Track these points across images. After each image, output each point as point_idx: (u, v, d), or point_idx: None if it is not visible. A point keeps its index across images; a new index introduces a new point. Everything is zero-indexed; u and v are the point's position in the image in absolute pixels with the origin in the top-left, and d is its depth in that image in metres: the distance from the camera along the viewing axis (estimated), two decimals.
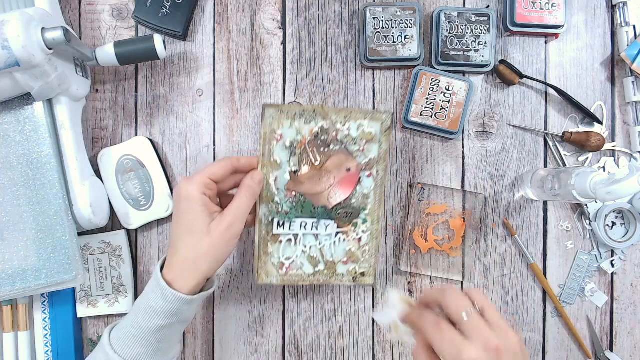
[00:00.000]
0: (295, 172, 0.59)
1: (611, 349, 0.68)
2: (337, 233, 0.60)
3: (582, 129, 0.68)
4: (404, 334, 0.49)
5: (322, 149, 0.58)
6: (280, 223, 0.59)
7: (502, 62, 0.67)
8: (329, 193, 0.59)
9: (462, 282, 0.67)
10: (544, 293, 0.67)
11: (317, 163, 0.58)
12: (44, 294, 0.65)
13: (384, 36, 0.65)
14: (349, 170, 0.59)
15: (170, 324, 0.52)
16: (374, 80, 0.68)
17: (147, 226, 0.67)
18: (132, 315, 0.53)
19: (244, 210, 0.54)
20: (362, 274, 0.62)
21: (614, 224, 0.68)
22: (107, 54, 0.60)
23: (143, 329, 0.52)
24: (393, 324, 0.49)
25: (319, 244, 0.60)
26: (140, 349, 0.52)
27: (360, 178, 0.60)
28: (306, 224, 0.60)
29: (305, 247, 0.60)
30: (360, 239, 0.61)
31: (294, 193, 0.59)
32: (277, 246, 0.60)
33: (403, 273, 0.67)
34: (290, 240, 0.60)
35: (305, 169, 0.58)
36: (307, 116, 0.58)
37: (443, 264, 0.67)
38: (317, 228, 0.60)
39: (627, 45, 0.67)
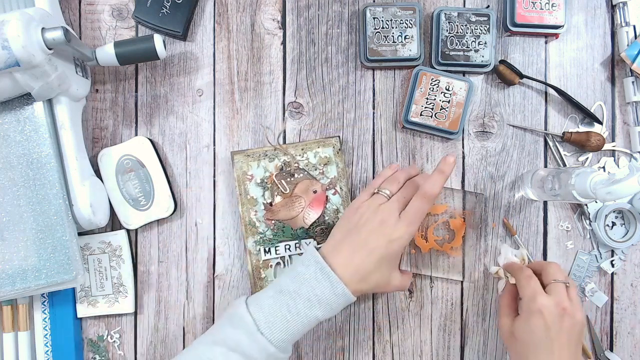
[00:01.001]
0: (270, 203, 0.65)
1: (611, 349, 0.68)
2: (319, 249, 0.64)
3: (582, 129, 0.68)
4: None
5: (288, 179, 0.66)
6: (267, 250, 0.65)
7: (502, 62, 0.67)
8: (303, 215, 0.66)
9: (462, 282, 0.67)
10: None
11: (287, 192, 0.66)
12: (44, 294, 0.65)
13: (384, 36, 0.65)
14: (315, 192, 0.66)
15: (323, 320, 0.53)
16: (374, 80, 0.68)
17: (147, 226, 0.67)
18: (285, 300, 0.52)
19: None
20: None
21: (614, 224, 0.68)
22: (107, 54, 0.60)
23: (301, 316, 0.51)
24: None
25: None
26: (288, 336, 0.51)
27: (327, 197, 0.66)
28: (289, 246, 0.66)
29: None
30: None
31: (273, 221, 0.65)
32: (269, 270, 0.66)
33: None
34: (279, 263, 0.66)
35: (278, 199, 0.66)
36: (270, 155, 0.66)
37: (443, 263, 0.67)
38: (299, 248, 0.66)
39: (627, 45, 0.67)
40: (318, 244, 0.66)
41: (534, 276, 0.58)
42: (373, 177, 0.68)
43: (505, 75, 0.67)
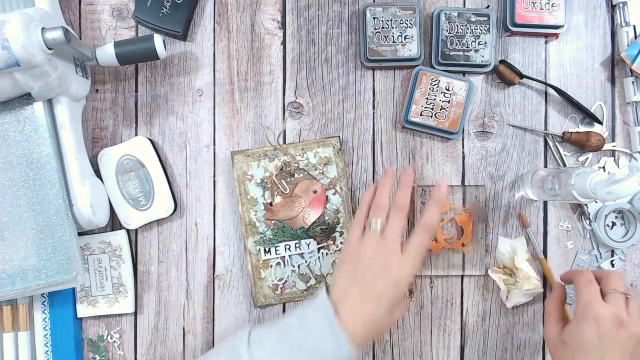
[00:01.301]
0: (270, 203, 0.66)
1: None
2: (320, 249, 0.66)
3: (582, 129, 0.68)
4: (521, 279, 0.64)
5: (288, 179, 0.66)
6: (267, 249, 0.66)
7: (502, 62, 0.67)
8: (303, 215, 0.66)
9: (462, 280, 0.67)
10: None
11: (286, 192, 0.66)
12: (44, 294, 0.65)
13: (384, 36, 0.65)
14: (315, 192, 0.66)
15: None
16: (374, 80, 0.68)
17: (147, 226, 0.67)
18: (288, 346, 0.49)
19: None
20: None
21: (614, 224, 0.68)
22: (107, 54, 0.60)
23: None
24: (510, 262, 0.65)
25: (305, 261, 0.66)
26: None
27: (327, 197, 0.66)
28: (289, 245, 0.66)
29: (294, 266, 0.66)
30: (341, 250, 0.65)
31: (273, 221, 0.66)
32: (269, 270, 0.66)
33: None
34: (279, 263, 0.66)
35: (278, 199, 0.66)
36: (270, 155, 0.66)
37: (458, 261, 0.67)
38: (299, 247, 0.66)
39: (627, 45, 0.67)
40: (318, 244, 0.66)
41: (594, 282, 0.54)
42: (373, 177, 0.68)
43: (505, 75, 0.67)
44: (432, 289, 0.68)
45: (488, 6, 0.67)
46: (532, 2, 0.65)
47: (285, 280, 0.66)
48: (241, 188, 0.66)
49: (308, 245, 0.66)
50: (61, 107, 0.59)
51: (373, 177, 0.68)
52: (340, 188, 0.66)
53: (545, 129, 0.68)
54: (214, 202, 0.68)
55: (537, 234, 0.68)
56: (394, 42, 0.65)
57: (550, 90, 0.68)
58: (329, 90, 0.68)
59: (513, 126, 0.68)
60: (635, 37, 0.67)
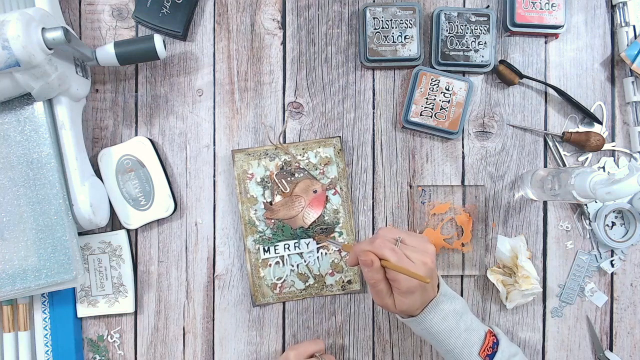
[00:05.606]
0: (270, 202, 0.66)
1: (611, 349, 0.68)
2: (319, 248, 0.66)
3: (582, 129, 0.68)
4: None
5: (288, 178, 0.66)
6: (266, 249, 0.66)
7: (502, 62, 0.67)
8: (302, 214, 0.66)
9: (462, 279, 0.67)
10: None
11: (287, 191, 0.66)
12: (44, 293, 0.65)
13: (384, 36, 0.65)
14: (315, 192, 0.66)
15: None
16: (373, 80, 0.68)
17: (147, 226, 0.67)
18: None
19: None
20: (349, 282, 0.67)
21: (613, 224, 0.68)
22: (107, 54, 0.60)
23: None
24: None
25: (305, 261, 0.66)
26: None
27: (327, 197, 0.66)
28: (288, 245, 0.66)
29: (293, 266, 0.66)
30: (340, 251, 0.67)
31: (272, 220, 0.66)
32: (267, 269, 0.66)
33: None
34: (278, 262, 0.66)
35: (278, 198, 0.66)
36: (271, 154, 0.66)
37: (457, 261, 0.67)
38: (299, 247, 0.66)
39: (627, 45, 0.67)
40: (317, 244, 0.66)
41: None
42: (373, 177, 0.68)
43: (505, 75, 0.67)
44: None
45: (488, 6, 0.67)
46: (532, 2, 0.65)
47: (284, 280, 0.66)
48: (241, 187, 0.66)
49: (307, 244, 0.66)
50: (61, 107, 0.59)
51: (373, 177, 0.68)
52: (340, 188, 0.66)
53: (545, 129, 0.68)
54: (214, 202, 0.68)
55: (537, 233, 0.68)
56: (394, 42, 0.65)
57: (550, 90, 0.68)
58: (329, 90, 0.68)
59: (513, 126, 0.68)
60: (635, 37, 0.67)
